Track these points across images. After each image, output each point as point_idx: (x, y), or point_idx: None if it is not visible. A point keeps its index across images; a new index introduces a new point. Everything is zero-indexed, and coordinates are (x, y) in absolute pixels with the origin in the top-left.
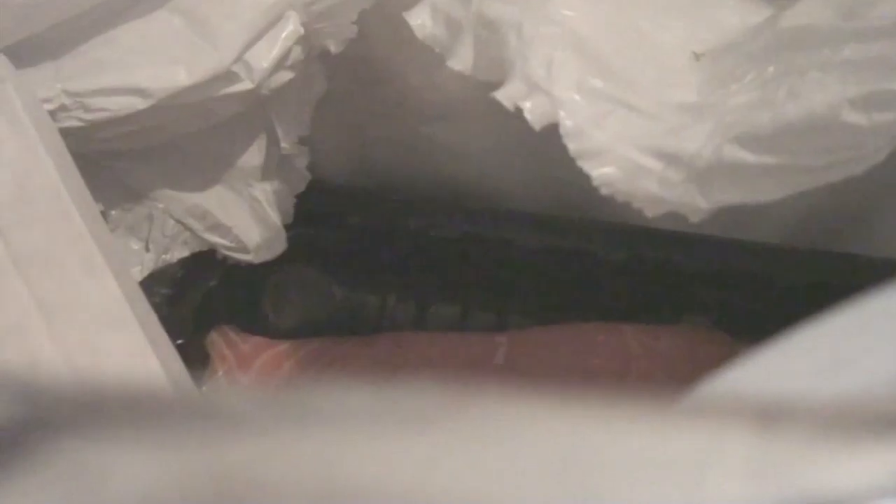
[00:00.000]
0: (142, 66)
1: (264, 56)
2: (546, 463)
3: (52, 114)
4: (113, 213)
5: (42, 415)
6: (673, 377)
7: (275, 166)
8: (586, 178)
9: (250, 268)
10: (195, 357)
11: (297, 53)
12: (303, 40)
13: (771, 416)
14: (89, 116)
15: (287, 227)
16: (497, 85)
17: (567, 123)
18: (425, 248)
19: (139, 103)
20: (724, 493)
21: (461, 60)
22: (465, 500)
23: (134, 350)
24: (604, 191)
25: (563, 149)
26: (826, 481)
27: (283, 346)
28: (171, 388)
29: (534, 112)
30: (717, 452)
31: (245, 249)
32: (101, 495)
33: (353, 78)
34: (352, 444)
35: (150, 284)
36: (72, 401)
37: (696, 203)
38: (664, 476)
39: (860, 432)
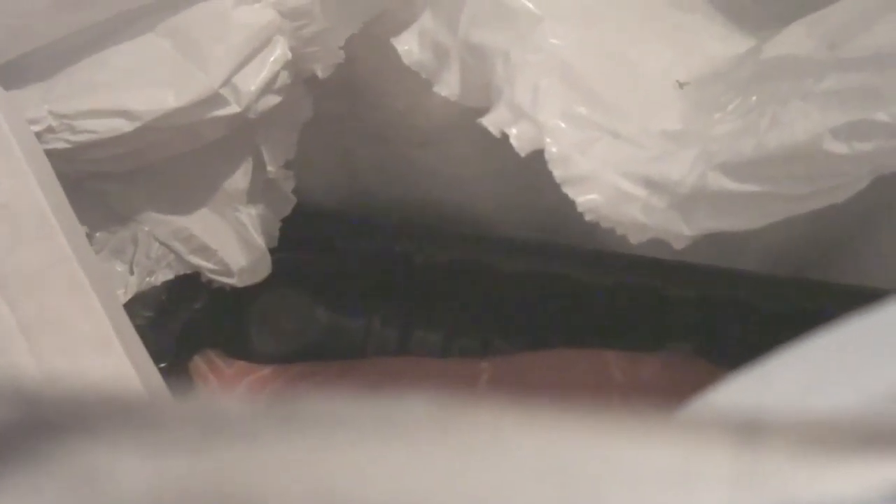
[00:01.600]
0: (130, 88)
1: (252, 80)
2: (532, 472)
3: (39, 135)
4: (98, 234)
5: (42, 417)
6: (655, 405)
7: (260, 190)
8: (571, 204)
9: (235, 291)
10: (178, 380)
11: (285, 78)
12: (290, 65)
13: (754, 430)
14: (76, 138)
15: (272, 251)
16: (483, 111)
17: (552, 150)
18: (410, 273)
19: (126, 126)
20: (712, 502)
21: (448, 86)
22: None
23: (117, 372)
24: (588, 217)
25: (549, 175)
26: (809, 495)
27: (266, 371)
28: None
29: (520, 138)
30: (703, 465)
31: (230, 273)
32: (100, 496)
33: (340, 102)
34: (343, 451)
35: (133, 307)
36: (70, 404)
37: (679, 230)
38: (650, 488)
39: (843, 448)
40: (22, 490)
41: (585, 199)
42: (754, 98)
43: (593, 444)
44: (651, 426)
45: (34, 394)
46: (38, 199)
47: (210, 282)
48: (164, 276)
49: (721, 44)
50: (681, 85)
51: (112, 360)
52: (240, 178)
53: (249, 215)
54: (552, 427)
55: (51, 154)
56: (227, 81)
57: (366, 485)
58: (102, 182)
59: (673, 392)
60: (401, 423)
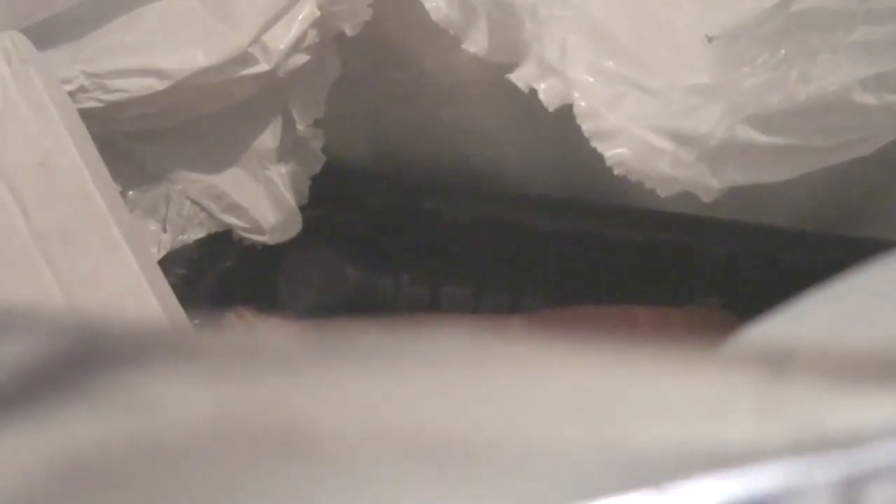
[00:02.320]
0: (160, 47)
1: (281, 38)
2: (565, 402)
3: (72, 94)
4: (130, 193)
5: (95, 348)
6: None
7: (290, 148)
8: (600, 159)
9: (266, 249)
10: None
11: (313, 36)
12: (319, 23)
13: (781, 362)
14: (108, 97)
15: (302, 209)
16: (512, 67)
17: (581, 105)
18: (439, 231)
19: (157, 84)
20: (739, 432)
21: (476, 43)
22: (494, 436)
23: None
24: (617, 171)
25: (578, 130)
26: (837, 422)
27: (297, 326)
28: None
29: (548, 93)
30: (732, 394)
31: (261, 231)
32: (155, 425)
33: (368, 61)
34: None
35: (166, 265)
36: (122, 335)
37: (708, 183)
38: (681, 415)
39: (867, 379)
40: (79, 420)
41: (614, 153)
42: (783, 51)
43: (625, 376)
44: (681, 359)
45: (86, 326)
46: (73, 157)
47: (241, 239)
48: (196, 234)
49: None
50: (710, 39)
51: (148, 315)
52: (269, 137)
53: (279, 173)
54: (584, 360)
55: (83, 113)
56: (256, 40)
57: (412, 410)
58: (134, 141)
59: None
60: (437, 354)
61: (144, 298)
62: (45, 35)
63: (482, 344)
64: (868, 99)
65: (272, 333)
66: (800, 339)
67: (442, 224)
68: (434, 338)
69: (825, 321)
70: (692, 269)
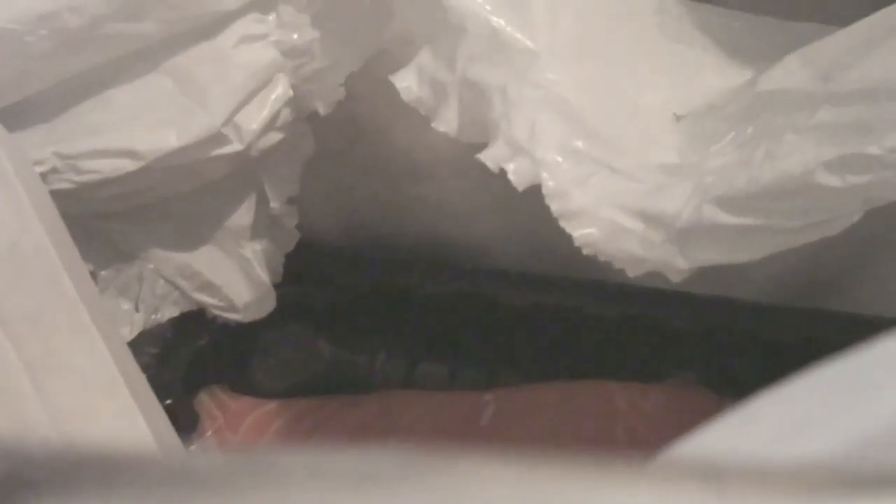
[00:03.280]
0: (133, 128)
1: (254, 118)
2: None
3: (44, 176)
4: (103, 273)
5: (21, 473)
6: (659, 435)
7: (264, 226)
8: (570, 237)
9: (240, 327)
10: (184, 417)
11: (287, 115)
12: (292, 102)
13: (722, 479)
14: (80, 178)
15: (276, 286)
16: (482, 146)
17: (549, 184)
18: (414, 307)
19: (130, 165)
20: None
21: (446, 122)
22: None
23: (122, 412)
24: (586, 251)
25: (548, 209)
26: None
27: (271, 406)
28: (157, 449)
29: (517, 173)
30: None
31: (234, 309)
32: None
33: (341, 138)
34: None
35: (139, 344)
36: (52, 460)
37: (676, 263)
38: None
39: (812, 497)
40: None
41: (582, 233)
42: (750, 131)
43: (564, 493)
44: (621, 475)
45: (14, 451)
46: (42, 239)
47: (215, 318)
48: (169, 313)
49: (718, 76)
50: (678, 118)
51: (117, 399)
52: (243, 215)
53: (254, 251)
54: (516, 474)
55: (56, 194)
56: (228, 120)
57: None
58: (107, 221)
59: (677, 422)
60: (375, 475)
61: (114, 383)
62: (17, 116)
63: (408, 463)
64: (832, 181)
65: (208, 448)
66: (746, 449)
67: (416, 300)
68: (370, 458)
69: (773, 428)
70: (668, 344)
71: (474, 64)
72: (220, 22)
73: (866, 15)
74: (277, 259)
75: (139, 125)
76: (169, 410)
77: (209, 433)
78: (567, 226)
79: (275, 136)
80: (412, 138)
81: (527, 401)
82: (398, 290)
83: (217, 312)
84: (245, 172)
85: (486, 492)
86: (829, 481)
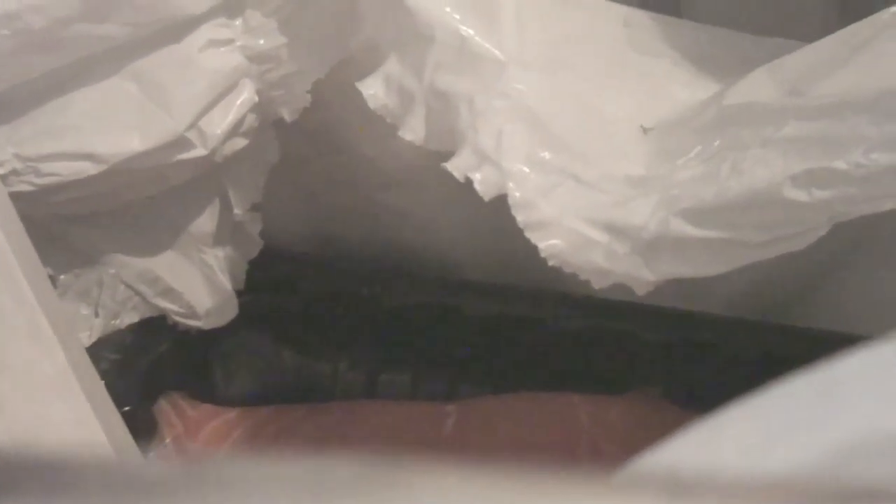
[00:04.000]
0: (95, 131)
1: (218, 123)
2: None
3: (4, 178)
4: (63, 277)
5: None
6: (623, 448)
7: (227, 232)
8: (536, 248)
9: (201, 334)
10: (143, 424)
11: (252, 121)
12: (257, 108)
13: (684, 494)
14: (41, 181)
15: (239, 294)
16: (449, 155)
17: (515, 195)
18: (377, 316)
19: (91, 169)
20: None
21: (413, 131)
22: None
23: (78, 418)
24: (551, 262)
25: (514, 219)
26: None
27: (232, 414)
28: (112, 456)
29: (483, 183)
30: None
31: (196, 315)
32: None
33: (306, 145)
34: None
35: (98, 350)
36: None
37: (641, 275)
38: None
39: None
40: None
41: (548, 244)
42: (716, 144)
43: None
44: (583, 488)
45: None
46: (0, 242)
47: (176, 324)
48: (129, 318)
49: (686, 89)
50: (645, 130)
51: (73, 405)
52: (206, 221)
53: (216, 257)
54: (483, 490)
55: (15, 196)
56: (192, 125)
57: None
58: (68, 224)
59: (640, 435)
60: (332, 484)
61: (70, 388)
62: None
63: (370, 474)
64: (798, 195)
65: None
66: (712, 463)
67: (380, 309)
68: (318, 466)
69: (739, 441)
70: (631, 356)
71: (442, 72)
72: (186, 26)
73: (833, 30)
74: (240, 266)
75: (102, 128)
76: (127, 417)
77: (168, 441)
78: (532, 236)
79: (239, 142)
80: (378, 146)
81: (489, 412)
82: (362, 298)
83: (178, 319)
84: (209, 178)
85: (444, 502)
86: (794, 496)
